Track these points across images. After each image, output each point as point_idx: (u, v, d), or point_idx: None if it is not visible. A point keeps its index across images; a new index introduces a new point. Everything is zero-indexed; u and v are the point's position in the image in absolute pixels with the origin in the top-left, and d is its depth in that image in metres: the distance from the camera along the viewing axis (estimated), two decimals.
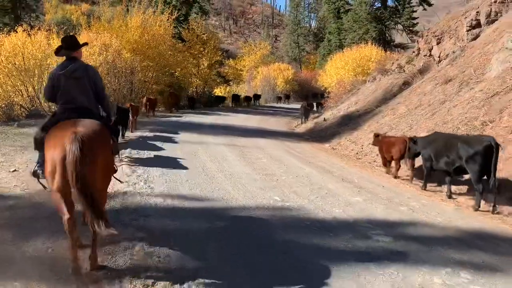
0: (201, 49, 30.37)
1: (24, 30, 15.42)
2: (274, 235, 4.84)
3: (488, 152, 6.27)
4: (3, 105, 14.00)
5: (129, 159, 8.66)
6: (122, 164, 7.84)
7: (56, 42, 16.14)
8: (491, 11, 13.39)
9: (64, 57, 4.29)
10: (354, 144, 12.68)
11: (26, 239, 4.18)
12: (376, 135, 9.68)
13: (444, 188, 7.44)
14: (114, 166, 4.29)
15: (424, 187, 7.68)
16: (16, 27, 16.16)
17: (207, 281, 3.61)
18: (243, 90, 43.54)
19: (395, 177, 8.66)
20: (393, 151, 8.69)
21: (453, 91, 11.38)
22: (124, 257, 3.95)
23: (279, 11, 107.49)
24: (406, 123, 11.76)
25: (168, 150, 10.17)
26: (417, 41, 18.63)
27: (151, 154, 9.46)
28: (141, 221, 4.97)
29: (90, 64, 4.65)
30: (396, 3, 37.73)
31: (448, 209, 6.34)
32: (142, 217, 5.12)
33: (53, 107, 14.23)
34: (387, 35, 37.82)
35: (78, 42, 4.36)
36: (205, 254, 4.20)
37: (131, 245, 4.22)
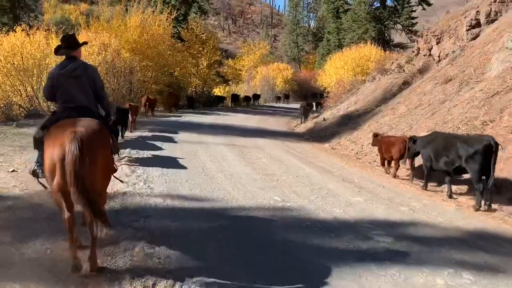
0: (200, 48, 30.34)
1: (23, 30, 15.40)
2: (274, 235, 4.81)
3: (488, 152, 6.25)
4: (2, 105, 13.96)
5: (128, 159, 8.62)
6: (122, 164, 7.80)
7: (55, 42, 16.11)
8: (491, 10, 13.37)
9: (64, 56, 4.26)
10: (354, 144, 12.66)
11: (25, 240, 4.14)
12: (375, 135, 9.67)
13: (445, 188, 7.41)
14: (114, 165, 4.27)
15: (425, 187, 7.65)
16: (14, 26, 16.12)
17: (207, 281, 3.59)
18: (242, 90, 43.50)
19: (395, 176, 8.64)
20: (393, 151, 8.67)
21: (453, 90, 11.36)
22: (124, 258, 3.92)
23: (278, 11, 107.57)
24: (406, 122, 11.74)
25: (168, 150, 10.14)
26: (417, 40, 18.62)
27: (151, 154, 9.43)
28: (141, 222, 4.94)
29: (89, 63, 4.62)
30: (395, 2, 37.72)
31: (449, 209, 6.31)
32: (142, 217, 5.09)
33: (52, 106, 14.19)
34: (386, 34, 37.81)
35: (77, 41, 4.33)
36: (206, 254, 4.17)
37: (131, 246, 4.18)
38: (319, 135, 16.21)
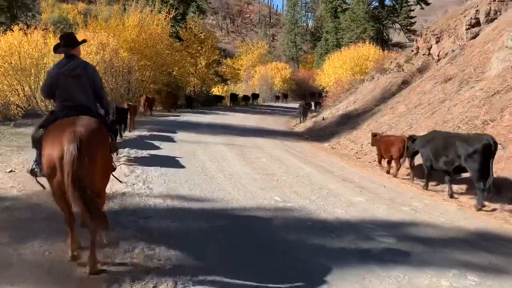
0: (199, 48, 30.29)
1: (20, 29, 15.29)
2: (275, 236, 4.76)
3: (487, 151, 6.22)
4: None
5: (127, 158, 8.56)
6: (121, 164, 7.74)
7: (53, 41, 16.04)
8: (490, 9, 13.35)
9: (63, 55, 4.21)
10: (353, 144, 12.61)
11: (23, 241, 4.08)
12: (374, 135, 9.66)
13: (446, 187, 7.37)
14: (113, 164, 4.22)
15: (426, 187, 7.61)
16: (12, 26, 16.02)
17: (208, 283, 3.53)
18: (241, 89, 43.45)
19: (395, 176, 8.60)
20: (393, 151, 8.64)
21: (453, 90, 11.33)
22: (124, 260, 3.86)
23: (276, 11, 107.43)
24: (406, 122, 11.70)
25: (167, 149, 10.08)
26: (416, 40, 18.58)
27: (150, 153, 9.37)
28: (141, 223, 4.88)
29: (89, 62, 4.57)
30: (394, 2, 37.71)
31: (451, 209, 6.27)
32: (142, 218, 5.03)
33: (50, 106, 14.12)
34: (384, 34, 37.79)
35: (76, 40, 4.29)
36: (206, 255, 4.11)
37: (131, 248, 4.13)
38: (319, 134, 16.16)
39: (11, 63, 14.52)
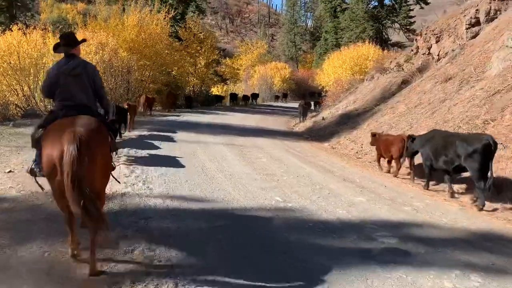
0: (198, 48, 30.25)
1: (19, 29, 15.24)
2: (277, 236, 4.73)
3: (487, 151, 6.20)
4: None
5: (127, 158, 8.53)
6: (120, 164, 7.71)
7: (52, 41, 16.01)
8: (490, 9, 13.32)
9: (62, 54, 4.20)
10: (353, 143, 12.59)
11: (22, 243, 4.05)
12: (373, 135, 9.67)
13: (447, 187, 7.35)
14: (112, 163, 4.19)
15: (427, 187, 7.58)
16: (11, 26, 15.97)
17: (209, 284, 3.51)
18: (240, 89, 43.45)
19: (396, 176, 8.57)
20: (392, 150, 8.62)
21: (453, 89, 11.30)
22: (124, 261, 3.83)
23: (276, 10, 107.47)
24: (406, 121, 11.68)
25: (167, 149, 10.04)
26: (416, 39, 18.54)
27: (149, 153, 9.33)
28: (141, 223, 4.84)
29: (89, 62, 4.55)
30: (393, 1, 37.65)
31: (453, 209, 6.24)
32: (142, 219, 4.99)
33: (49, 106, 14.08)
34: (384, 33, 37.75)
35: (76, 39, 4.28)
36: (207, 256, 4.08)
37: (131, 248, 4.09)
38: (318, 134, 16.13)
39: (10, 63, 14.47)
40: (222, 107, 31.37)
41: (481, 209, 6.20)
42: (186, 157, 9.15)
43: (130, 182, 6.66)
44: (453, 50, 14.19)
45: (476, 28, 13.67)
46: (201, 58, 30.88)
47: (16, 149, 8.57)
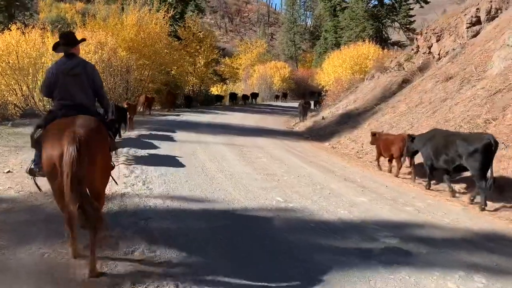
0: (197, 47, 30.19)
1: (18, 29, 15.20)
2: (278, 237, 4.68)
3: (488, 150, 6.17)
4: None
5: (126, 158, 8.49)
6: (120, 164, 7.66)
7: (51, 41, 15.96)
8: (491, 7, 13.27)
9: (62, 54, 4.18)
10: (354, 143, 12.54)
11: (21, 244, 4.01)
12: (373, 134, 9.65)
13: (454, 191, 7.31)
14: (112, 163, 4.16)
15: (428, 186, 7.53)
16: (10, 25, 15.92)
17: (210, 285, 3.47)
18: (240, 88, 43.41)
19: (397, 175, 8.53)
20: (393, 149, 8.59)
21: (454, 88, 11.26)
22: (124, 263, 3.78)
23: (275, 9, 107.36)
24: (407, 121, 11.64)
25: (166, 149, 10.00)
26: (416, 38, 18.50)
27: (149, 153, 9.29)
28: (141, 224, 4.80)
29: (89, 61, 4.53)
30: (393, 0, 37.60)
31: (455, 209, 6.19)
32: (142, 219, 4.95)
33: (48, 106, 14.03)
34: (384, 33, 37.71)
35: (76, 38, 4.27)
36: (208, 257, 4.03)
37: (131, 250, 4.05)
38: (319, 134, 16.09)
39: (9, 62, 14.44)
40: (221, 106, 31.33)
41: (483, 209, 6.17)
42: (186, 157, 9.10)
43: (129, 182, 6.62)
44: (453, 49, 14.15)
45: (477, 27, 13.62)
46: (200, 57, 30.82)
47: (15, 149, 8.53)
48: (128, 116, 12.12)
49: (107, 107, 4.61)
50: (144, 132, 12.78)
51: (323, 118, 19.27)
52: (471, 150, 6.31)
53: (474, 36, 13.58)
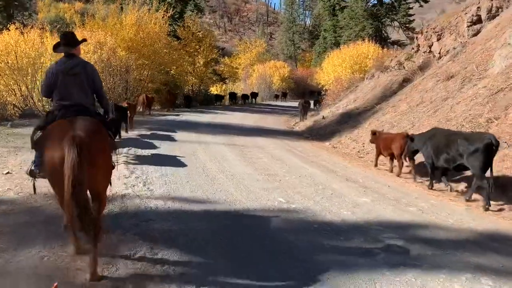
0: (197, 47, 30.12)
1: (17, 29, 15.12)
2: (281, 238, 4.62)
3: (489, 150, 6.14)
4: None
5: (127, 158, 8.42)
6: (119, 164, 7.59)
7: (50, 41, 15.91)
8: (492, 6, 13.22)
9: (61, 54, 4.14)
10: (355, 143, 12.48)
11: (20, 247, 3.93)
12: (373, 133, 9.65)
13: (453, 188, 7.27)
14: (112, 163, 4.11)
15: (431, 186, 7.48)
16: (8, 25, 15.85)
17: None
18: (239, 88, 43.36)
19: (399, 175, 8.48)
20: (393, 147, 8.55)
21: (456, 87, 11.20)
22: (125, 266, 3.72)
23: (274, 9, 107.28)
24: (408, 120, 11.58)
25: (167, 149, 9.94)
26: (416, 37, 18.43)
27: (149, 153, 9.24)
28: (142, 226, 4.73)
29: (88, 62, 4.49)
30: None
31: (458, 209, 6.14)
32: (143, 221, 4.89)
33: (47, 106, 13.96)
34: (383, 32, 37.68)
35: (77, 39, 4.23)
36: (212, 260, 3.97)
37: (133, 252, 3.98)
38: (319, 133, 16.02)
39: (8, 62, 14.37)
40: (221, 106, 31.26)
41: (487, 209, 6.12)
42: (187, 157, 9.04)
43: (130, 183, 6.56)
44: (454, 48, 14.09)
45: (477, 26, 13.57)
46: (199, 57, 30.75)
47: (14, 150, 8.46)
48: (129, 115, 12.05)
49: (107, 107, 4.57)
50: (144, 132, 12.72)
51: (323, 117, 19.21)
52: (472, 149, 6.27)
53: (475, 34, 13.53)
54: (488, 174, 6.21)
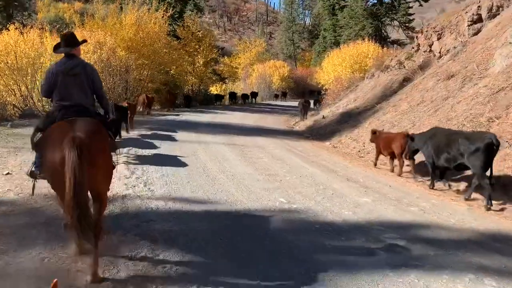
0: (197, 46, 30.09)
1: (16, 29, 15.10)
2: (282, 239, 4.60)
3: (490, 150, 6.13)
4: None
5: (127, 159, 8.40)
6: (119, 164, 7.56)
7: (49, 41, 15.87)
8: (492, 5, 13.19)
9: (62, 54, 4.12)
10: (355, 142, 12.46)
11: (20, 248, 3.91)
12: (374, 132, 9.64)
13: (452, 186, 7.26)
14: (113, 163, 4.10)
15: (432, 186, 7.46)
16: (8, 25, 15.82)
17: None
18: (239, 88, 43.31)
19: (400, 175, 8.46)
20: (394, 146, 8.53)
21: (456, 87, 11.18)
22: (126, 267, 3.70)
23: (273, 8, 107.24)
24: (409, 120, 11.56)
25: (167, 149, 9.91)
26: (417, 36, 18.40)
27: (150, 153, 9.22)
28: (143, 227, 4.71)
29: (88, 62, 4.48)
30: None
31: (460, 209, 6.12)
32: (144, 222, 4.87)
33: (46, 106, 13.93)
34: (383, 31, 37.65)
35: (77, 40, 4.22)
36: (213, 261, 3.95)
37: (134, 253, 3.97)
38: (319, 133, 16.00)
39: (7, 62, 14.34)
40: (221, 106, 31.23)
41: (489, 209, 6.10)
42: (187, 157, 9.02)
43: (131, 183, 6.54)
44: (455, 47, 14.07)
45: (478, 25, 13.54)
46: (199, 56, 30.73)
47: (14, 150, 8.43)
48: (129, 115, 12.03)
49: (107, 107, 4.55)
50: (144, 132, 12.69)
51: (323, 117, 19.18)
52: (473, 148, 6.25)
53: (475, 34, 13.50)
54: (487, 173, 6.19)
